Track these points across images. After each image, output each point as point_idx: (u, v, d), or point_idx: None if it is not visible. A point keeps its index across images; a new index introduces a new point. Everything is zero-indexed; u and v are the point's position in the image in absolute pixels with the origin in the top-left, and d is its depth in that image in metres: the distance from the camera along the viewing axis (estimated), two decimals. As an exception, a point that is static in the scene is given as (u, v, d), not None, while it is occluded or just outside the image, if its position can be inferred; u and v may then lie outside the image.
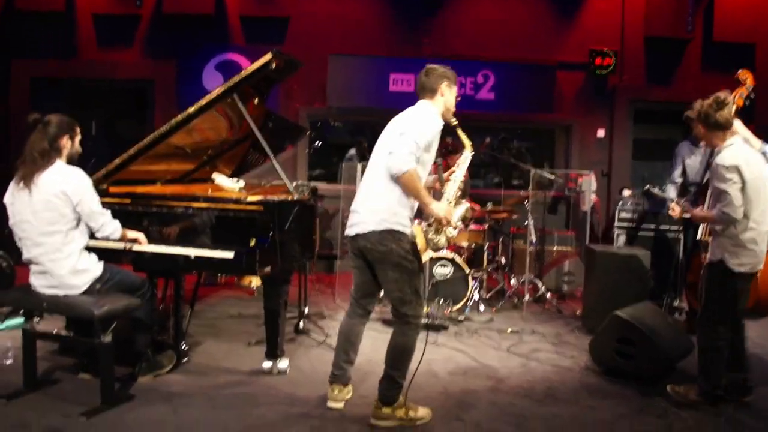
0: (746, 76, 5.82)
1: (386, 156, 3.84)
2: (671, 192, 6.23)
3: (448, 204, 4.09)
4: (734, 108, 5.79)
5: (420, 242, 3.99)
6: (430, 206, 3.89)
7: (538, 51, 9.71)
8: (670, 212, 5.82)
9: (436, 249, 4.19)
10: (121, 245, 4.44)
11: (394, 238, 3.89)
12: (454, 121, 4.14)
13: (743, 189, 4.18)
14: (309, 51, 9.05)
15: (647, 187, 5.77)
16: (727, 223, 4.22)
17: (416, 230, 4.11)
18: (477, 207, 7.68)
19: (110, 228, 4.18)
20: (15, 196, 4.05)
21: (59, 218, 4.01)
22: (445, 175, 4.28)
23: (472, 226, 7.14)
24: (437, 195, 4.22)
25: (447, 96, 4.06)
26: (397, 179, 3.78)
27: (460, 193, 4.22)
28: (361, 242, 3.94)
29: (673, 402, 4.45)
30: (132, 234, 4.38)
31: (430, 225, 4.07)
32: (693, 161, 6.24)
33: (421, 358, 4.07)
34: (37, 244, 4.02)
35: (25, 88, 9.42)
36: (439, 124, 3.97)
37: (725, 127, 4.35)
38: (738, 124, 5.81)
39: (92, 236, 4.23)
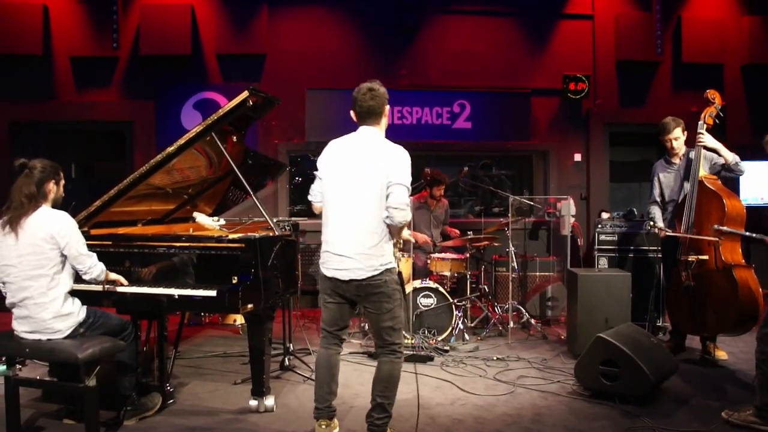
0: (714, 96, 5.97)
1: (378, 203, 3.89)
2: (656, 212, 6.33)
3: None
4: (705, 126, 5.94)
5: (405, 272, 4.05)
6: (404, 234, 4.14)
7: (512, 78, 9.87)
8: (658, 233, 6.01)
9: None
10: (102, 287, 4.43)
11: (388, 271, 3.98)
12: None
13: None
14: (286, 87, 9.16)
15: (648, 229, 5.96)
16: None
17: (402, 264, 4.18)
18: (457, 233, 7.76)
19: (97, 270, 4.18)
20: (0, 240, 4.05)
21: (45, 262, 4.00)
22: None
23: (454, 255, 7.18)
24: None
25: (386, 116, 4.13)
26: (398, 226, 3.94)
27: None
28: (353, 287, 3.97)
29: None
30: (112, 276, 4.39)
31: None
32: (667, 179, 6.34)
33: (419, 398, 4.06)
34: (23, 288, 4.00)
35: (4, 132, 9.39)
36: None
37: None
38: (708, 138, 5.94)
39: (76, 279, 4.22)
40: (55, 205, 4.18)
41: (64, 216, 4.09)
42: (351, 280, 3.95)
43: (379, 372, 4.04)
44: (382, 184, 3.87)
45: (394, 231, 4.00)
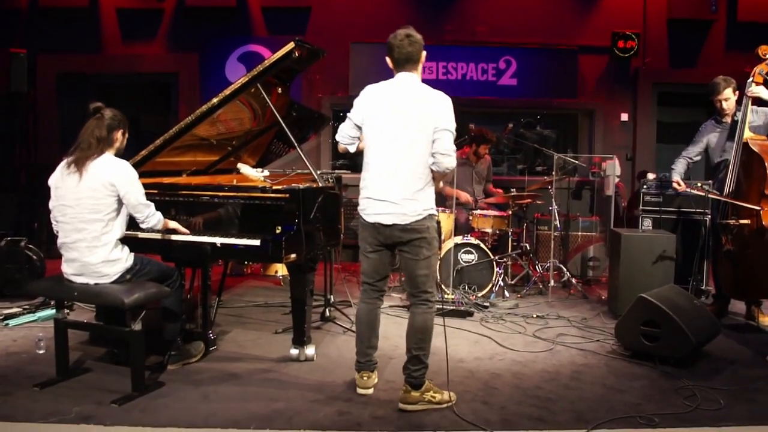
0: (766, 52, 5.73)
1: (425, 147, 3.87)
2: (679, 165, 6.21)
3: None
4: (754, 84, 5.74)
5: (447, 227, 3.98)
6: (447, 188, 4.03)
7: (559, 35, 9.68)
8: (674, 186, 5.93)
9: None
10: (156, 235, 4.54)
11: (431, 218, 4.00)
12: None
13: None
14: (331, 40, 9.09)
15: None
16: None
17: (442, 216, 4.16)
18: (500, 192, 7.70)
19: (155, 219, 4.26)
20: (62, 179, 4.11)
21: (103, 207, 4.07)
22: None
23: (497, 212, 7.14)
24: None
25: (422, 63, 4.11)
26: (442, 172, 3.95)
27: None
28: (397, 231, 3.94)
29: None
30: (172, 224, 4.47)
31: None
32: (717, 139, 6.15)
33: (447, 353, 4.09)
34: (78, 230, 4.08)
35: (52, 84, 9.55)
36: None
37: None
38: (761, 89, 5.71)
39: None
40: (118, 155, 4.25)
41: (125, 165, 4.16)
42: (394, 224, 3.94)
43: (413, 324, 4.05)
44: (429, 128, 3.86)
45: (437, 177, 4.01)
